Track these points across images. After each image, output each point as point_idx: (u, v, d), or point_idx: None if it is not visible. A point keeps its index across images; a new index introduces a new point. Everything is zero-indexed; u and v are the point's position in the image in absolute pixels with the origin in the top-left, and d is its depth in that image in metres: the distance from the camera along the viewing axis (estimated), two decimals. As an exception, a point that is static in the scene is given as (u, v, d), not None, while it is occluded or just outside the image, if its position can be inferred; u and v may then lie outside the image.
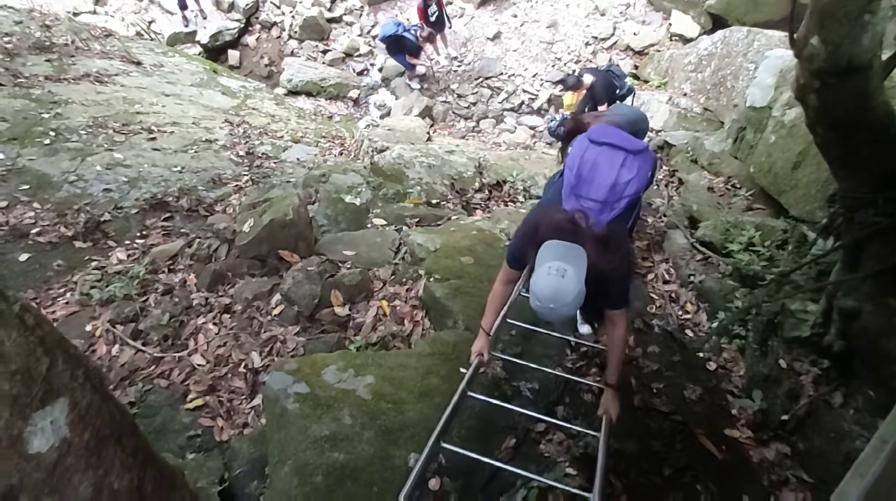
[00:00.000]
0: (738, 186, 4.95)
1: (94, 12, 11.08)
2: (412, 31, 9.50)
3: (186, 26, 11.12)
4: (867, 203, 2.36)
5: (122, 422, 0.57)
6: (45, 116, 5.92)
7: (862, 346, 2.51)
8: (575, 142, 2.62)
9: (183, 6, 10.83)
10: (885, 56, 2.18)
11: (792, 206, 3.74)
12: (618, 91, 6.35)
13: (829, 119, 2.26)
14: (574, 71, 9.79)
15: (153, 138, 6.01)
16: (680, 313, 3.89)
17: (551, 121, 4.57)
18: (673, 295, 4.06)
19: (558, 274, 1.83)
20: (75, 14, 10.43)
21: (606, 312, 2.31)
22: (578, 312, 2.77)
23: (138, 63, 8.42)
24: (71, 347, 0.48)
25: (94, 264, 4.04)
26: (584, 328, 3.20)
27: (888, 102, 2.24)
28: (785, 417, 2.71)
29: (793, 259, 3.25)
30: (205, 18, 11.27)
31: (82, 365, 0.52)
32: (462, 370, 2.50)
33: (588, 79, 6.24)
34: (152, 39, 10.82)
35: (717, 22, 9.47)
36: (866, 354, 2.49)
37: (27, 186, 4.75)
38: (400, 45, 9.58)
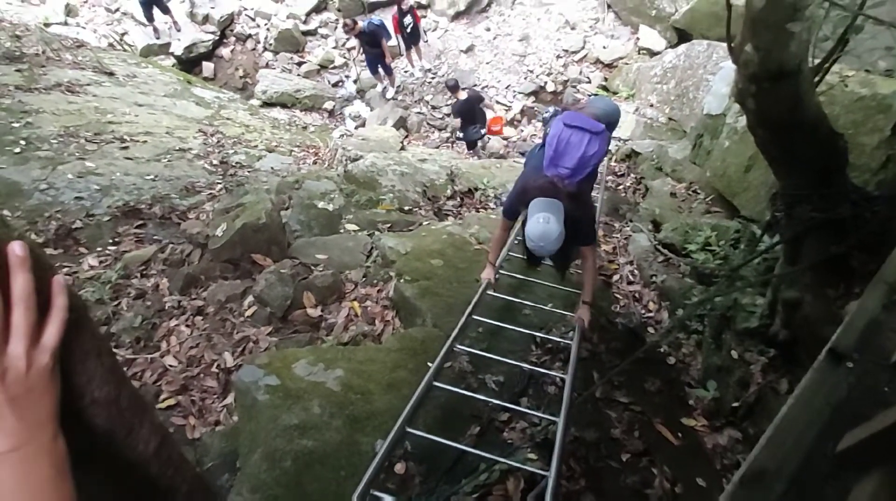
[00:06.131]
0: (699, 191, 5.17)
1: (66, 23, 10.96)
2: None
3: (157, 38, 11.07)
4: (804, 199, 2.53)
5: (102, 341, 0.64)
6: (16, 125, 5.87)
7: (804, 334, 2.67)
8: (552, 124, 3.15)
9: (150, 18, 10.77)
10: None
11: (744, 207, 3.94)
12: (471, 128, 8.19)
13: (766, 121, 2.43)
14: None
15: (126, 147, 5.99)
16: (643, 311, 4.04)
17: (545, 112, 5.50)
18: (636, 295, 4.22)
19: (545, 222, 2.58)
20: (46, 25, 10.32)
21: (580, 248, 3.04)
22: (554, 267, 3.67)
23: (111, 74, 8.38)
24: (48, 265, 0.55)
25: (64, 270, 4.03)
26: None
27: (819, 104, 2.42)
28: (736, 404, 2.86)
29: (743, 257, 3.43)
30: (179, 30, 11.25)
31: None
32: (429, 364, 2.60)
33: (462, 95, 8.03)
34: (125, 51, 10.76)
35: (682, 36, 9.78)
36: (808, 342, 2.65)
37: (-4, 194, 4.72)
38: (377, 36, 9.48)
